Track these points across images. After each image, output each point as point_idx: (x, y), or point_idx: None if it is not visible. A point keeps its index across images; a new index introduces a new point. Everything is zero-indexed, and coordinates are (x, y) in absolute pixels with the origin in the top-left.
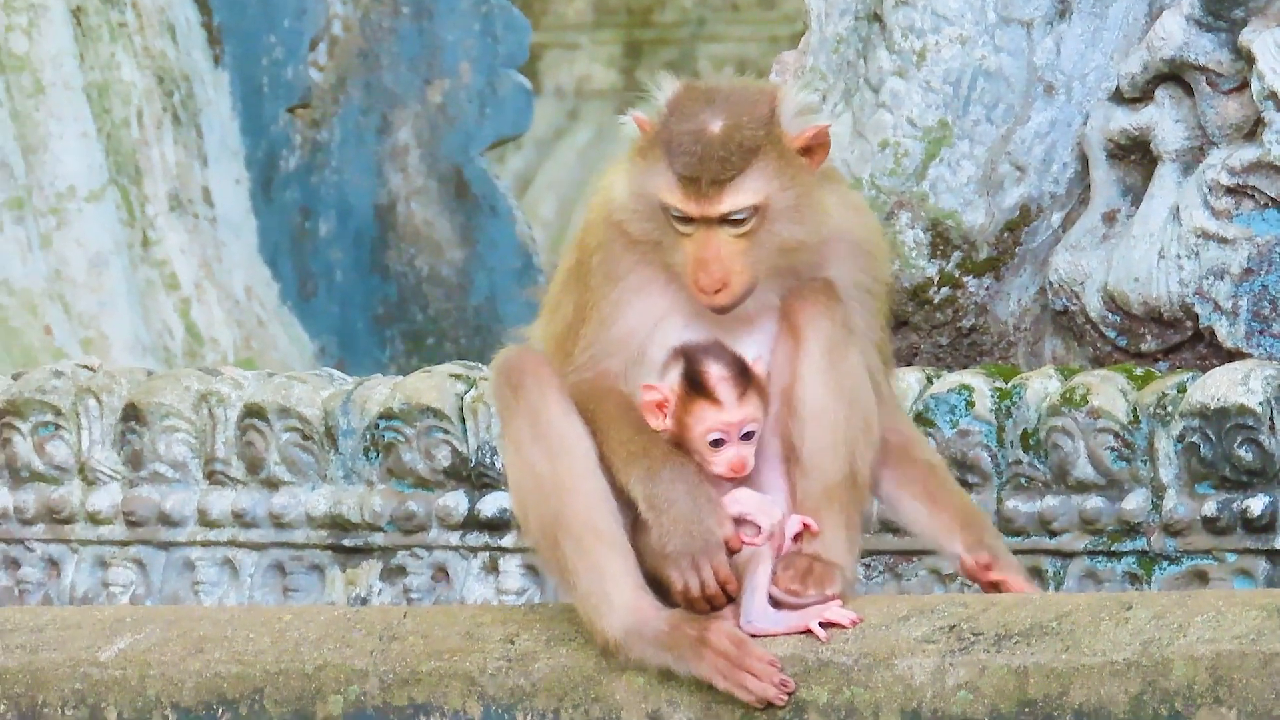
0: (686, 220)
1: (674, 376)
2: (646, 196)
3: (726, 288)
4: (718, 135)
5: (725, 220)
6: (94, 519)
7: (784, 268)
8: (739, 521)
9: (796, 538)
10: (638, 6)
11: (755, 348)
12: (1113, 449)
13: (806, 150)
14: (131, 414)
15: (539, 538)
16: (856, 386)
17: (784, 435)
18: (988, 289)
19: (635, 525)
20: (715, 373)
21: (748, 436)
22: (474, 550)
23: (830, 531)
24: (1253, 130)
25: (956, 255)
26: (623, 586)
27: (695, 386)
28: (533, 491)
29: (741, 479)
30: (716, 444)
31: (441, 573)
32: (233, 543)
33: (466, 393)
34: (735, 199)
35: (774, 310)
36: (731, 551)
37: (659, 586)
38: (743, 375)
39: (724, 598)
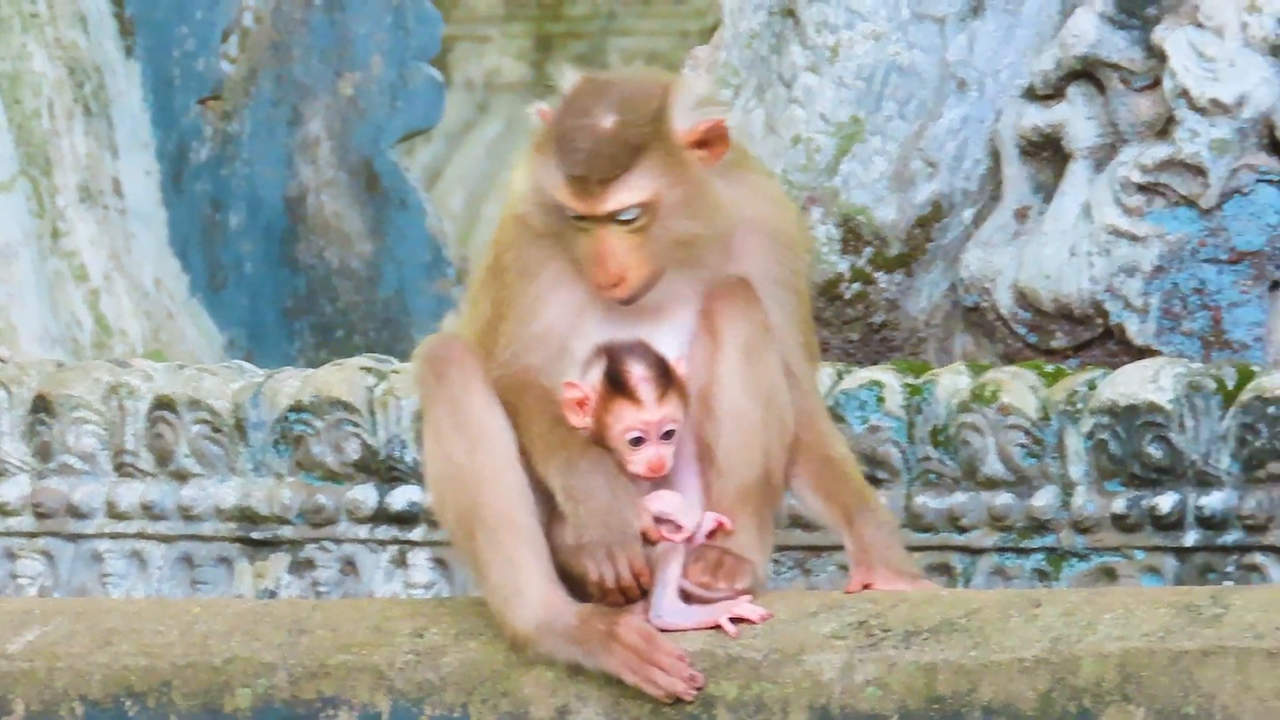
0: (580, 217)
1: (595, 375)
2: (542, 193)
3: (624, 282)
4: (605, 132)
5: (616, 218)
6: (2, 510)
7: (690, 259)
8: (658, 520)
9: (711, 535)
10: (549, 0)
11: (676, 346)
12: (1022, 446)
13: (703, 143)
14: (41, 405)
15: (454, 528)
16: (773, 388)
17: (699, 435)
18: (899, 285)
19: (551, 520)
20: (636, 373)
21: (667, 436)
22: (383, 544)
23: (743, 529)
24: (1164, 128)
25: (868, 251)
26: (534, 580)
27: (616, 386)
28: (450, 481)
29: (659, 478)
30: (636, 443)
31: (350, 566)
32: (141, 535)
33: (377, 386)
34: (621, 197)
35: (693, 307)
36: (648, 543)
37: (571, 582)
38: (663, 375)
39: (637, 590)
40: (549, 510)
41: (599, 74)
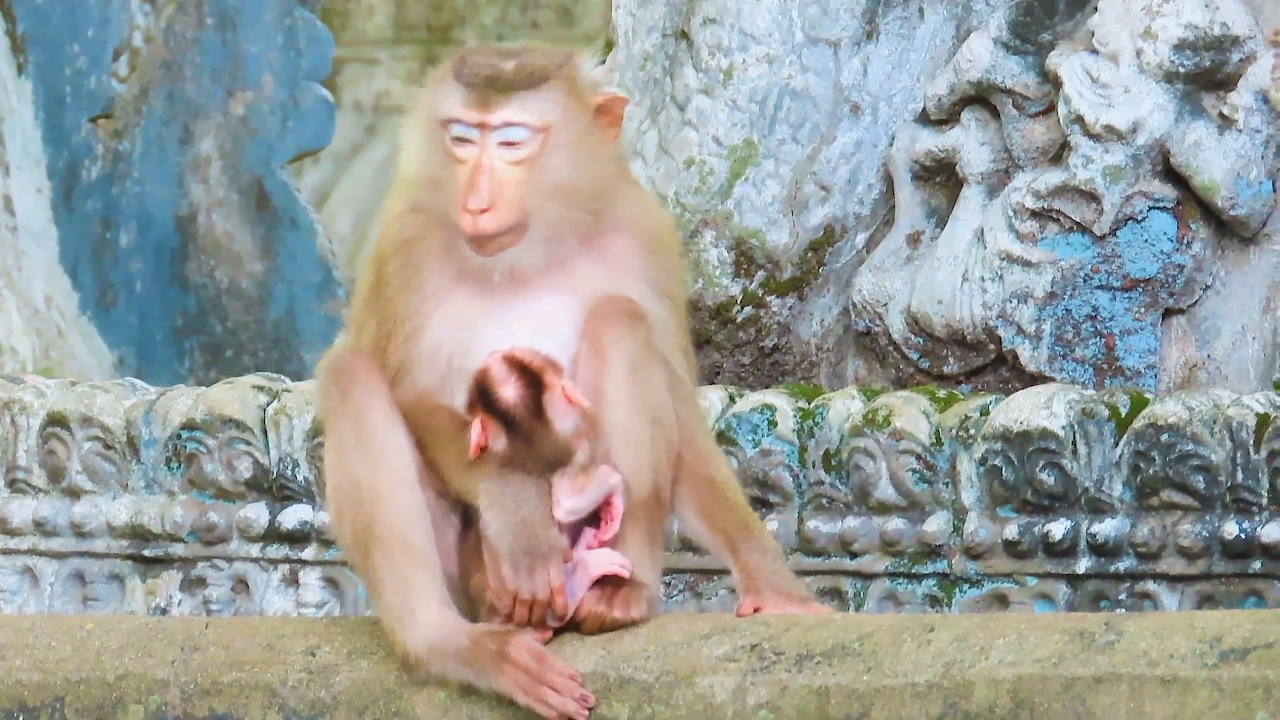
0: (465, 143)
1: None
2: (431, 126)
3: (491, 211)
4: (515, 54)
5: (505, 144)
6: None
7: (556, 223)
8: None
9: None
10: (437, 23)
11: (560, 355)
12: (915, 470)
13: (604, 115)
14: None
15: (351, 545)
16: (660, 405)
17: (592, 449)
18: (791, 309)
19: (458, 537)
20: (506, 396)
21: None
22: (274, 562)
23: (635, 549)
24: (1058, 154)
25: (760, 274)
26: (428, 601)
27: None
28: (349, 497)
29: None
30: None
31: (242, 584)
32: (33, 551)
33: (269, 405)
34: (517, 111)
35: (576, 324)
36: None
37: (466, 604)
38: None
39: (546, 608)
40: (449, 530)
41: None
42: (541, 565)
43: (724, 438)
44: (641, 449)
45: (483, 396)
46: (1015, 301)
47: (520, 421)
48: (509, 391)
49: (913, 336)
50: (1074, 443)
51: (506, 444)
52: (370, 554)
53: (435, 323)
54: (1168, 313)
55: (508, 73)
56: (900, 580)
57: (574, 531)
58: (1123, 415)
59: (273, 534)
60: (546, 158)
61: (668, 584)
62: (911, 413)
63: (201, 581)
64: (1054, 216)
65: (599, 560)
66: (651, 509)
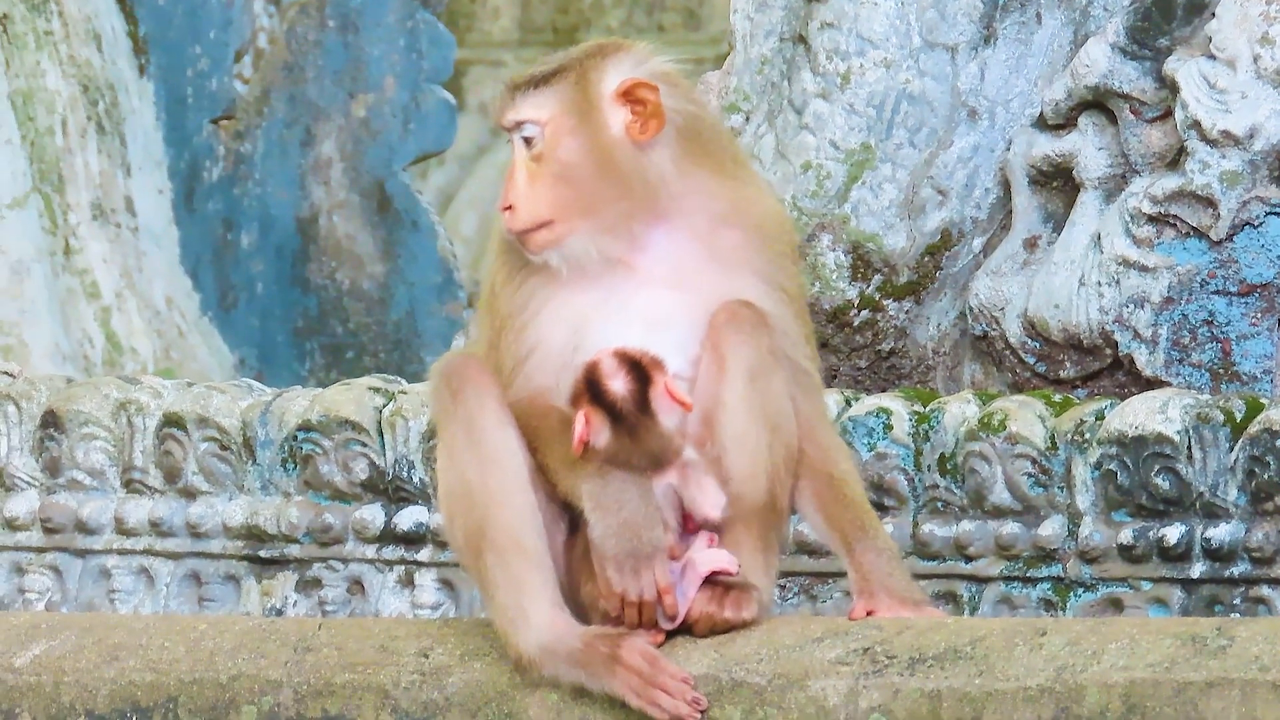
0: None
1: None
2: None
3: (513, 210)
4: (540, 60)
5: (524, 140)
6: (11, 525)
7: (602, 217)
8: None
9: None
10: (563, 25)
11: (677, 366)
12: (1030, 475)
13: (631, 102)
14: (50, 421)
15: (463, 547)
16: (779, 413)
17: (707, 455)
18: (907, 313)
19: (563, 544)
20: (615, 388)
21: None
22: (390, 563)
23: (748, 555)
24: (1175, 159)
25: (877, 278)
26: (540, 603)
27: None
28: (461, 499)
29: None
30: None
31: (357, 585)
32: (149, 551)
33: (385, 406)
34: (521, 109)
35: (698, 329)
36: (672, 558)
37: (578, 606)
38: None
39: (654, 607)
40: (559, 534)
41: None
42: (646, 566)
43: None
44: (758, 457)
45: (591, 388)
46: (1131, 306)
47: (626, 415)
48: (617, 384)
49: (1029, 341)
50: (1189, 447)
51: (611, 439)
52: (483, 555)
53: (544, 320)
54: None
55: (524, 76)
56: (1015, 584)
57: (687, 535)
58: (1238, 420)
59: (388, 535)
60: (552, 150)
61: (783, 586)
62: (1027, 417)
63: (317, 583)
64: (1170, 221)
65: (707, 558)
66: (766, 515)
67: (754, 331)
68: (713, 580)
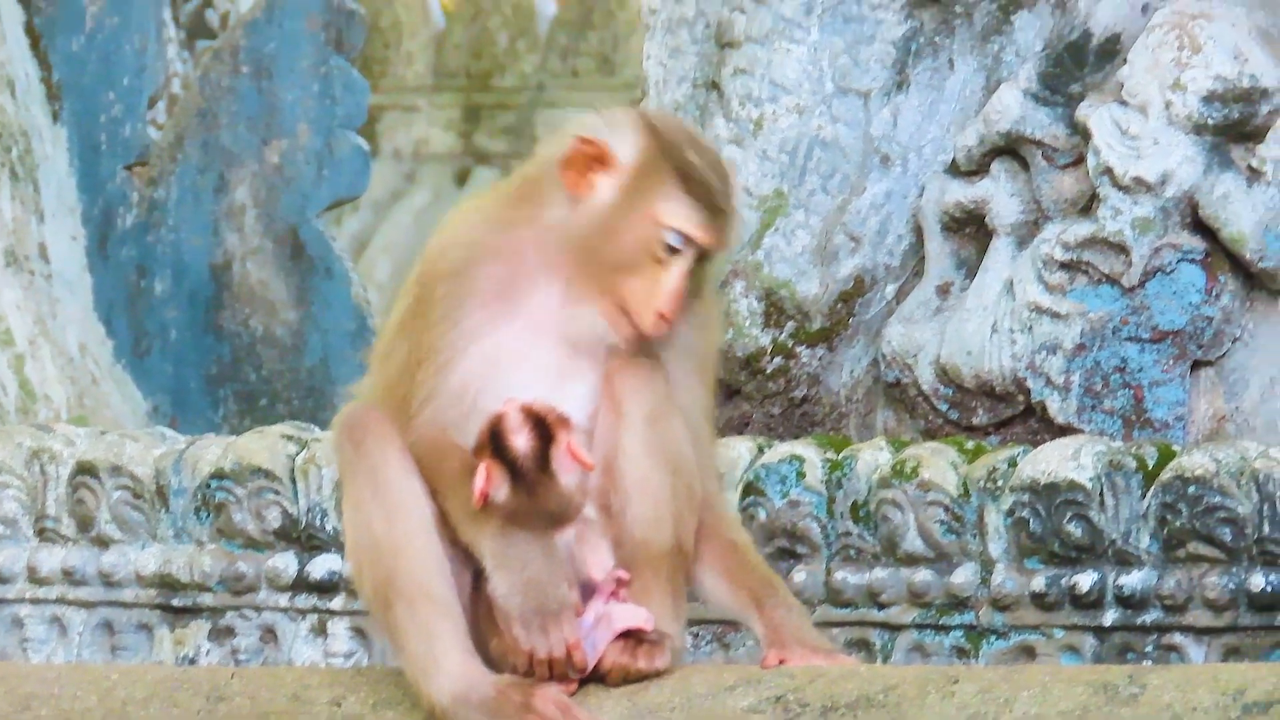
0: (674, 251)
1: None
2: (643, 219)
3: (668, 318)
4: (727, 170)
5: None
6: None
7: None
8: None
9: (614, 593)
10: (477, 71)
11: (579, 413)
12: (942, 522)
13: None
14: None
15: (372, 598)
16: (679, 455)
17: (605, 506)
18: (820, 359)
19: (471, 590)
20: (517, 444)
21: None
22: (303, 612)
23: (658, 601)
24: (1088, 205)
25: (790, 325)
26: (452, 651)
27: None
28: (368, 551)
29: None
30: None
31: (270, 634)
32: (62, 600)
33: (298, 454)
34: (733, 234)
35: (597, 376)
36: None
37: (489, 653)
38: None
39: (565, 664)
40: (466, 583)
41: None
42: (554, 623)
43: (752, 488)
44: (661, 500)
45: (494, 441)
46: (1044, 353)
47: (526, 472)
48: (520, 440)
49: (942, 388)
50: (1101, 495)
51: (509, 495)
52: (392, 606)
53: (469, 359)
54: (1196, 364)
55: (730, 195)
56: (928, 631)
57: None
58: (1150, 467)
59: (301, 584)
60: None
61: (695, 635)
62: (939, 464)
63: (230, 631)
64: (1083, 268)
65: (622, 615)
66: (674, 560)
67: (650, 376)
68: (624, 632)
